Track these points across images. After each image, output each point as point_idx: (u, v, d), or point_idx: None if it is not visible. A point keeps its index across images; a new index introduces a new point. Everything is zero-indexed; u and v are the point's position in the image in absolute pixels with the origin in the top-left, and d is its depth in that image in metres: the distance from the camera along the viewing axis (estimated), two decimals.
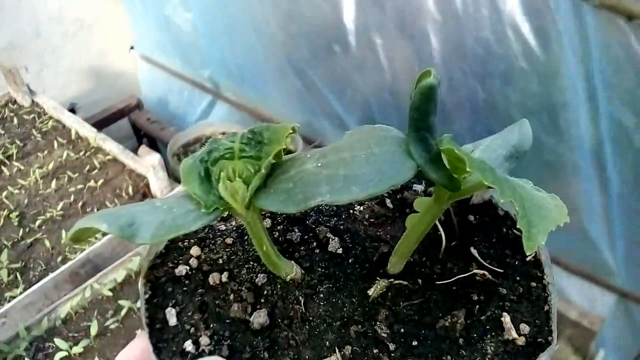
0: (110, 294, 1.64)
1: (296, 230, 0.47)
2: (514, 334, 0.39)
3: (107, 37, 2.92)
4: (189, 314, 0.41)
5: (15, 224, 1.90)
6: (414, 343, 0.39)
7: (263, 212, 0.49)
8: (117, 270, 1.69)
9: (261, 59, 2.39)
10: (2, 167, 2.15)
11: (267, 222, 0.48)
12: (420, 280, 0.43)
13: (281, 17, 2.18)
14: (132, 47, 3.02)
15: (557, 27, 1.51)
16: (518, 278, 0.43)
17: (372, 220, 0.49)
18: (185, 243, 0.46)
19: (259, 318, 0.39)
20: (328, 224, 0.48)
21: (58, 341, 1.48)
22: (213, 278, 0.43)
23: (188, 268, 0.44)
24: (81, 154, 2.19)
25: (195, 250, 0.46)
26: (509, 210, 0.49)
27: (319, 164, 0.34)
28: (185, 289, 0.43)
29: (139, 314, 1.55)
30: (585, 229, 1.71)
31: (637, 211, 1.63)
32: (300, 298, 0.41)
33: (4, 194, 2.02)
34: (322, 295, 0.42)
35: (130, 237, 0.31)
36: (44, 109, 2.44)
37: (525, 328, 0.39)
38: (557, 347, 0.38)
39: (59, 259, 1.79)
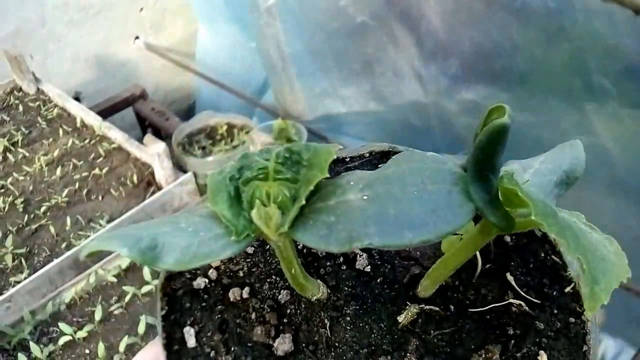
0: (114, 280, 1.65)
1: None
2: None
3: (112, 26, 2.92)
4: (209, 334, 0.39)
5: (20, 210, 1.91)
6: None
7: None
8: (121, 256, 1.70)
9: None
10: (7, 154, 2.16)
11: None
12: (452, 307, 0.41)
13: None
14: (137, 37, 3.02)
15: None
16: (556, 311, 0.40)
17: None
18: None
19: (284, 345, 0.38)
20: None
21: (62, 325, 1.50)
22: (234, 294, 0.41)
23: (207, 281, 0.42)
24: (86, 141, 2.19)
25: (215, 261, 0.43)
26: (547, 232, 0.45)
27: (365, 196, 0.30)
28: (204, 304, 0.41)
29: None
30: None
31: None
32: (326, 321, 0.39)
33: (9, 180, 2.03)
34: (348, 318, 0.39)
35: (152, 263, 0.28)
36: (49, 96, 2.45)
37: None
38: None
39: (64, 245, 1.80)
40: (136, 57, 3.07)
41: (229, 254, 0.30)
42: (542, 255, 0.44)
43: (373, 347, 0.38)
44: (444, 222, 0.29)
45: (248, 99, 2.71)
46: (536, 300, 0.41)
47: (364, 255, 0.43)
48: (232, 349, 0.38)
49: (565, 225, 0.29)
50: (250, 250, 0.44)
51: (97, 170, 2.05)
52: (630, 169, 1.64)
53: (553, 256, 0.44)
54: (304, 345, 0.38)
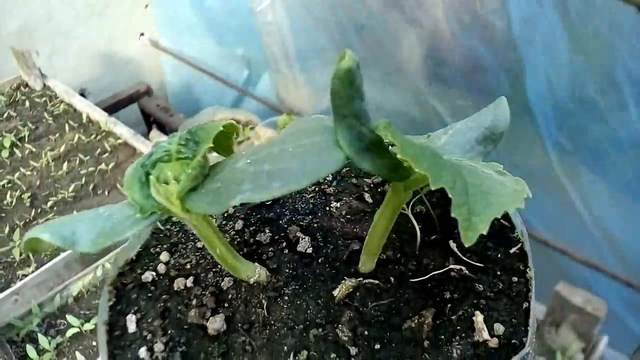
0: None
1: (267, 230, 0.46)
2: (486, 335, 0.36)
3: (117, 22, 2.93)
4: (150, 320, 0.40)
5: (27, 204, 1.93)
6: (377, 346, 0.36)
7: (237, 214, 0.48)
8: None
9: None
10: (14, 149, 2.18)
11: (239, 224, 0.47)
12: (392, 279, 0.41)
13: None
14: (142, 34, 3.04)
15: None
16: (499, 273, 0.41)
17: (349, 216, 0.47)
18: (157, 249, 0.46)
19: (215, 324, 0.39)
20: (301, 223, 0.46)
21: (70, 318, 1.51)
22: (178, 283, 0.42)
23: (155, 274, 0.44)
24: (92, 137, 2.21)
25: (164, 256, 0.45)
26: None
27: (249, 161, 0.32)
28: (150, 295, 0.42)
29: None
30: None
31: None
32: (264, 301, 0.40)
33: (16, 175, 2.05)
34: (286, 297, 0.40)
35: (72, 246, 0.31)
36: (55, 92, 2.46)
37: (499, 328, 0.37)
38: (530, 350, 0.34)
39: None
40: (141, 53, 3.09)
41: (135, 230, 0.32)
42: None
43: (308, 323, 0.38)
44: (312, 171, 0.30)
45: (241, 90, 2.74)
46: (479, 264, 0.41)
47: (307, 238, 0.44)
48: (169, 331, 0.39)
49: (440, 163, 0.29)
50: (200, 244, 0.45)
51: (103, 166, 2.06)
52: None
53: (501, 220, 0.44)
54: (239, 325, 0.39)
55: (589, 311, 1.40)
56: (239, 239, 0.46)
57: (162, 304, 0.41)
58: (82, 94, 2.67)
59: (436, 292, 0.40)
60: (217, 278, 0.43)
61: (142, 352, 0.38)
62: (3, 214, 1.90)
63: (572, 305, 1.42)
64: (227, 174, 0.33)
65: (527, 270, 0.40)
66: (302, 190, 0.50)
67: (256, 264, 0.42)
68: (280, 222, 0.47)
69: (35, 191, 1.99)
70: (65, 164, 2.08)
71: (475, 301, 0.39)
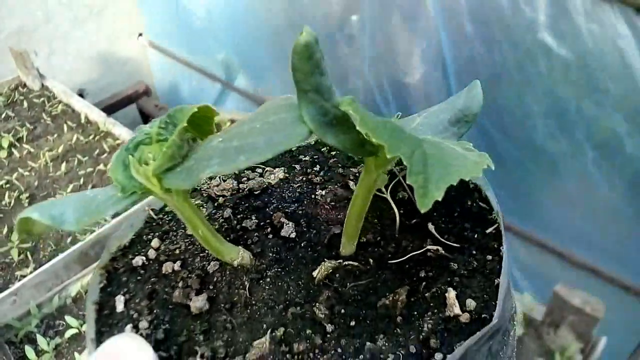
0: None
1: (253, 217, 0.47)
2: (457, 310, 0.37)
3: (115, 23, 2.93)
4: (137, 300, 0.41)
5: (26, 205, 1.93)
6: (352, 323, 0.38)
7: (227, 204, 0.49)
8: None
9: (265, 48, 2.41)
10: (13, 150, 2.18)
11: (228, 212, 0.48)
12: (371, 261, 0.42)
13: (287, 6, 2.20)
14: (140, 34, 3.04)
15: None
16: (474, 252, 0.42)
17: (334, 203, 0.48)
18: (149, 236, 0.47)
19: (197, 302, 0.40)
20: (287, 210, 0.48)
21: (68, 319, 1.51)
22: (166, 267, 0.44)
23: (145, 259, 0.45)
24: (90, 137, 2.21)
25: (155, 243, 0.46)
26: (480, 184, 0.47)
27: (220, 139, 0.34)
28: (139, 278, 0.43)
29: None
30: None
31: None
32: (246, 283, 0.41)
33: (15, 175, 2.04)
34: (268, 279, 0.41)
35: (59, 225, 0.33)
36: (53, 92, 2.46)
37: (471, 304, 0.37)
38: (497, 322, 0.34)
39: (69, 239, 1.81)
40: (139, 54, 3.08)
41: (117, 208, 0.34)
42: (469, 203, 0.46)
43: (287, 302, 0.40)
44: (276, 144, 0.31)
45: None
46: (455, 245, 0.42)
47: (291, 224, 0.46)
48: (155, 311, 0.41)
49: (393, 134, 0.30)
50: (190, 232, 0.47)
51: (101, 166, 2.06)
52: None
53: (480, 203, 0.46)
54: (222, 305, 0.40)
55: (588, 312, 1.40)
56: (226, 226, 0.47)
57: (150, 286, 0.43)
58: (81, 95, 2.67)
59: (413, 272, 0.41)
60: (204, 262, 0.44)
61: (128, 329, 0.39)
62: (1, 215, 1.90)
63: (571, 305, 1.42)
64: (200, 152, 0.34)
65: (501, 248, 0.41)
66: (290, 179, 0.52)
67: (240, 247, 0.43)
68: (267, 209, 0.48)
69: (33, 192, 1.99)
70: (64, 164, 2.08)
71: (449, 279, 0.40)
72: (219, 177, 0.52)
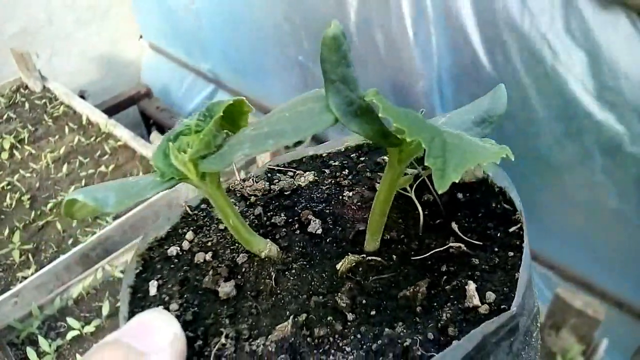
0: (121, 275, 1.66)
1: (282, 215, 0.49)
2: (476, 302, 0.37)
3: (118, 25, 2.94)
4: (169, 286, 0.44)
5: (27, 206, 1.93)
6: (372, 313, 0.39)
7: (258, 202, 0.52)
8: (128, 252, 1.71)
9: (263, 52, 2.41)
10: (14, 151, 2.18)
11: (258, 210, 0.50)
12: (394, 257, 0.43)
13: (285, 9, 2.20)
14: (141, 36, 3.04)
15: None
16: (496, 249, 0.42)
17: (360, 204, 0.50)
18: (184, 230, 0.50)
19: (225, 288, 0.42)
20: (315, 209, 0.50)
21: (70, 320, 1.51)
22: (198, 257, 0.46)
23: (179, 249, 0.47)
24: (92, 139, 2.21)
25: (189, 235, 0.49)
26: (504, 187, 0.47)
27: (253, 128, 0.36)
28: (172, 266, 0.46)
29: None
30: None
31: None
32: (273, 273, 0.43)
33: (16, 177, 2.05)
34: (294, 271, 0.43)
35: (102, 206, 0.35)
36: (55, 94, 2.47)
37: (491, 296, 0.38)
38: (515, 310, 0.35)
39: (70, 241, 1.81)
40: (141, 56, 3.09)
41: (155, 191, 0.37)
42: (493, 205, 0.47)
43: (311, 292, 0.41)
44: (303, 129, 0.33)
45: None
46: (477, 242, 0.43)
47: (318, 220, 0.47)
48: (185, 295, 0.43)
49: (415, 121, 0.31)
50: (222, 226, 0.49)
51: (103, 168, 2.06)
52: None
53: (505, 205, 0.46)
54: (248, 292, 0.42)
55: (590, 314, 1.41)
56: (256, 222, 0.49)
57: (182, 274, 0.45)
58: (82, 96, 2.67)
59: (435, 267, 0.42)
60: (234, 254, 0.46)
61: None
62: (3, 216, 1.90)
63: (573, 308, 1.42)
64: (234, 139, 0.37)
65: (523, 245, 0.42)
66: (319, 182, 0.54)
67: (268, 240, 0.45)
68: (296, 208, 0.50)
69: (34, 193, 1.99)
70: (65, 165, 2.08)
71: (470, 273, 0.41)
72: (252, 179, 0.55)
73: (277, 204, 0.51)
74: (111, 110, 2.65)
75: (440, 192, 0.28)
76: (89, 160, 2.11)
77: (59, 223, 1.86)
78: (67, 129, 2.26)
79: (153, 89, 3.02)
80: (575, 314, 1.43)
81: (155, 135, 1.98)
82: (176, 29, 2.76)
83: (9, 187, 2.01)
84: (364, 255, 0.43)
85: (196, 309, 0.41)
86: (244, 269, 0.44)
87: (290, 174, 0.55)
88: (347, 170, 0.55)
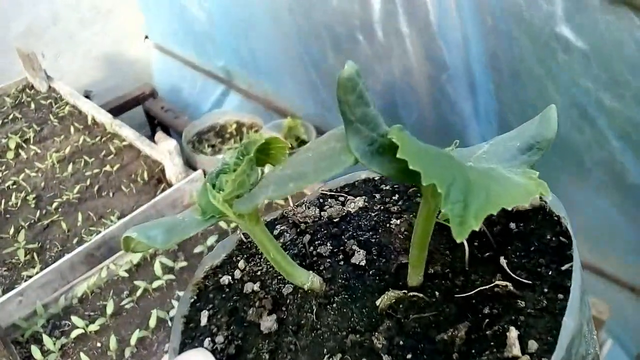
0: (126, 274, 1.67)
1: (329, 244, 0.49)
2: (516, 352, 0.35)
3: (122, 25, 2.95)
4: (219, 316, 0.45)
5: (32, 206, 1.94)
6: (409, 356, 0.38)
7: (308, 230, 0.53)
8: (132, 252, 1.72)
9: (277, 50, 2.41)
10: (20, 151, 2.19)
11: (307, 238, 0.51)
12: (437, 293, 0.41)
13: (300, 7, 2.20)
14: (146, 36, 3.05)
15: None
16: (546, 290, 0.39)
17: (407, 233, 0.48)
18: (238, 258, 0.51)
19: (267, 322, 0.42)
20: (360, 238, 0.49)
21: (74, 319, 1.52)
22: (247, 287, 0.47)
23: (231, 278, 0.49)
24: (97, 139, 2.22)
25: (242, 264, 0.50)
26: (562, 217, 0.43)
27: (281, 167, 0.37)
28: (224, 295, 0.47)
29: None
30: None
31: None
32: (314, 307, 0.43)
33: (21, 176, 2.06)
34: (335, 305, 0.43)
35: (152, 243, 0.37)
36: (60, 94, 2.48)
37: (533, 345, 0.35)
38: None
39: (75, 240, 1.82)
40: (146, 56, 3.10)
41: (198, 229, 0.38)
42: (548, 237, 0.43)
43: (349, 329, 0.41)
44: (322, 170, 0.33)
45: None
46: (526, 281, 0.40)
47: (362, 251, 0.47)
48: (232, 327, 0.44)
49: (433, 160, 0.29)
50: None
51: (108, 167, 2.07)
52: None
53: (561, 237, 0.42)
54: (290, 326, 0.43)
55: (593, 314, 1.40)
56: (304, 251, 0.50)
57: (231, 304, 0.46)
58: (87, 96, 2.68)
59: (478, 307, 0.40)
60: (280, 285, 0.46)
61: (206, 342, 0.43)
62: (8, 215, 1.91)
63: None
64: (264, 180, 0.38)
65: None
66: (368, 207, 0.54)
67: (311, 272, 0.45)
68: (343, 236, 0.50)
69: (40, 192, 2.00)
70: (70, 165, 2.09)
71: (514, 317, 0.38)
72: (304, 205, 0.55)
73: (325, 231, 0.51)
74: (116, 110, 2.66)
75: (458, 241, 0.26)
76: (94, 160, 2.12)
77: (64, 222, 1.86)
78: (72, 129, 2.28)
79: (162, 90, 3.03)
80: None
81: (159, 135, 1.98)
82: (187, 28, 2.76)
83: (14, 186, 2.02)
84: (405, 291, 0.41)
85: (240, 342, 0.43)
86: (288, 300, 0.45)
87: (342, 199, 0.55)
88: (397, 195, 0.54)
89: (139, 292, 1.61)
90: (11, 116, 2.37)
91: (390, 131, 0.31)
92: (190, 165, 2.14)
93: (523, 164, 0.36)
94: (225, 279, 0.48)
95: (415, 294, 0.41)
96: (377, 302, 0.41)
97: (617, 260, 1.79)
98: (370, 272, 0.45)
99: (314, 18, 2.15)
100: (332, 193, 0.56)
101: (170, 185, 1.98)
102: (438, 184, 0.27)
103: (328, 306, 0.43)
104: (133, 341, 1.46)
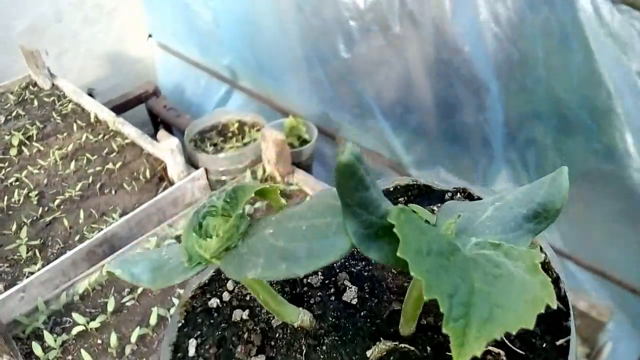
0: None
1: (319, 273, 0.48)
2: None
3: (125, 23, 2.95)
4: (207, 347, 0.44)
5: (35, 202, 1.94)
6: None
7: None
8: (134, 249, 1.72)
9: (282, 49, 2.41)
10: (22, 148, 2.20)
11: None
12: (429, 348, 0.40)
13: (307, 3, 2.19)
14: (150, 35, 3.05)
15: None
16: None
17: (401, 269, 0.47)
18: (225, 276, 0.49)
19: None
20: (353, 270, 0.47)
21: (76, 316, 1.52)
22: (236, 315, 0.45)
23: (219, 301, 0.47)
24: (100, 137, 2.22)
25: (230, 285, 0.48)
26: (562, 279, 0.42)
27: (272, 231, 0.34)
28: (212, 321, 0.46)
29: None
30: None
31: None
32: (304, 348, 0.41)
33: (24, 173, 2.06)
34: (325, 347, 0.41)
35: (137, 282, 0.37)
36: (63, 92, 2.48)
37: None
38: None
39: (77, 237, 1.83)
40: (149, 54, 3.10)
41: (183, 278, 0.36)
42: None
43: None
44: (316, 257, 0.31)
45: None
46: (519, 351, 0.39)
47: (354, 288, 0.45)
48: None
49: (435, 264, 0.27)
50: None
51: (110, 165, 2.08)
52: None
53: (559, 303, 0.41)
54: None
55: (594, 316, 1.40)
56: (293, 280, 0.48)
57: (220, 332, 0.45)
58: (90, 94, 2.69)
59: None
60: (269, 315, 0.45)
61: None
62: (10, 212, 1.91)
63: (577, 310, 1.42)
64: (255, 239, 0.35)
65: None
66: None
67: (301, 309, 0.44)
68: (334, 265, 0.48)
69: (42, 189, 2.01)
70: (73, 163, 2.09)
71: None
72: None
73: None
74: (119, 109, 2.67)
75: None
76: (96, 157, 2.13)
77: (66, 219, 1.87)
78: (75, 127, 2.28)
79: (166, 89, 3.03)
80: (579, 316, 1.42)
81: (161, 133, 1.99)
82: (191, 27, 2.76)
83: (17, 183, 2.03)
84: (397, 343, 0.40)
85: None
86: (277, 335, 0.43)
87: None
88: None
89: (139, 290, 1.61)
90: (14, 113, 2.37)
91: (391, 214, 0.29)
92: (192, 164, 2.15)
93: (528, 232, 0.35)
94: (214, 302, 0.47)
95: (407, 346, 0.40)
96: (368, 354, 0.40)
97: (617, 260, 1.79)
98: (362, 313, 0.43)
99: (322, 15, 2.14)
100: None
101: (172, 183, 1.98)
102: (440, 300, 0.26)
103: (317, 348, 0.41)
104: (134, 338, 1.46)
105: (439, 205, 0.52)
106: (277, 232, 0.34)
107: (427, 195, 0.54)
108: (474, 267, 0.28)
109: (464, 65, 1.86)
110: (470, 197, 0.52)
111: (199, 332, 0.45)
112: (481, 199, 0.51)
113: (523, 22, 1.65)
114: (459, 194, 0.53)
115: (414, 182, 0.54)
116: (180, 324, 0.46)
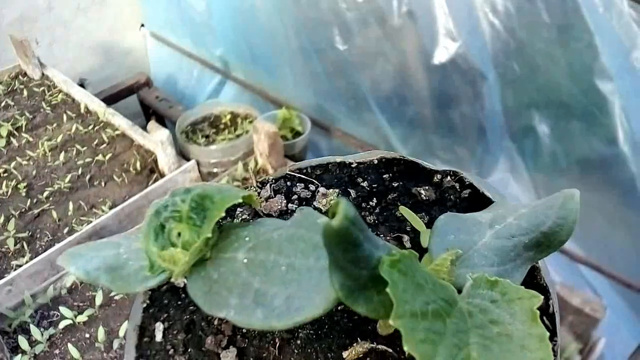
0: None
1: None
2: None
3: (118, 13, 2.91)
4: (175, 332, 0.42)
5: (23, 194, 1.92)
6: None
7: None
8: None
9: (276, 39, 2.38)
10: (11, 139, 2.16)
11: None
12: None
13: (290, 5, 2.17)
14: (142, 25, 3.02)
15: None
16: None
17: None
18: None
19: (227, 358, 0.40)
20: None
21: (63, 309, 1.50)
22: None
23: (186, 279, 0.45)
24: (90, 128, 2.19)
25: None
26: (551, 297, 0.40)
27: (246, 260, 0.31)
28: (179, 302, 0.43)
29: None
30: None
31: None
32: (277, 341, 0.40)
33: (13, 164, 2.03)
34: (299, 342, 0.40)
35: (93, 282, 0.34)
36: (53, 82, 2.45)
37: None
38: None
39: (66, 230, 1.80)
40: (142, 45, 3.07)
41: (144, 287, 0.34)
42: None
43: None
44: (295, 311, 0.28)
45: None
46: None
47: None
48: (189, 350, 0.41)
49: (430, 332, 0.25)
50: None
51: (100, 157, 2.05)
52: None
53: (546, 319, 0.40)
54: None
55: (588, 312, 1.39)
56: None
57: (188, 316, 0.43)
58: (82, 85, 2.65)
59: None
60: None
61: None
62: None
63: (571, 306, 1.41)
64: (225, 265, 0.33)
65: None
66: None
67: None
68: None
69: (31, 181, 1.98)
70: (62, 154, 2.06)
71: None
72: (269, 186, 0.50)
73: None
74: (111, 99, 2.63)
75: None
76: (86, 148, 2.10)
77: (55, 212, 1.84)
78: (65, 117, 2.25)
79: (158, 79, 3.00)
80: (573, 312, 1.41)
81: (152, 125, 1.96)
82: (184, 17, 2.73)
83: (5, 174, 2.00)
84: (374, 344, 0.39)
85: None
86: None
87: (312, 188, 0.50)
88: (375, 200, 0.49)
89: None
90: (3, 103, 2.34)
91: (383, 264, 0.27)
92: (183, 156, 2.12)
93: (527, 261, 0.33)
94: (181, 282, 0.44)
95: (385, 348, 0.38)
96: (344, 355, 0.38)
97: (613, 256, 1.78)
98: (339, 308, 0.41)
99: (318, 6, 2.11)
100: (302, 176, 0.52)
101: (162, 175, 1.96)
102: None
103: (292, 341, 0.40)
104: (121, 332, 1.44)
105: (427, 187, 0.49)
106: (252, 262, 0.31)
107: (415, 175, 0.51)
108: (471, 326, 0.27)
109: (461, 56, 1.84)
110: (461, 182, 0.50)
111: (165, 315, 0.43)
112: (472, 186, 0.49)
113: (521, 9, 1.62)
114: (449, 177, 0.51)
115: (401, 157, 0.52)
116: (145, 305, 0.44)
